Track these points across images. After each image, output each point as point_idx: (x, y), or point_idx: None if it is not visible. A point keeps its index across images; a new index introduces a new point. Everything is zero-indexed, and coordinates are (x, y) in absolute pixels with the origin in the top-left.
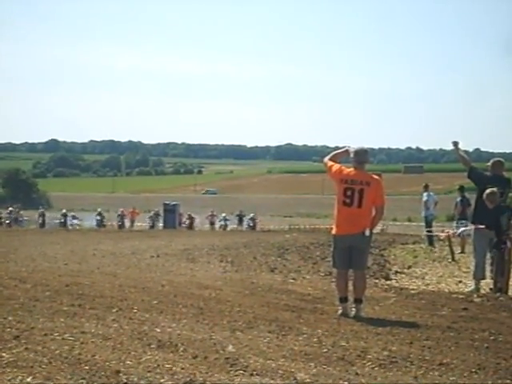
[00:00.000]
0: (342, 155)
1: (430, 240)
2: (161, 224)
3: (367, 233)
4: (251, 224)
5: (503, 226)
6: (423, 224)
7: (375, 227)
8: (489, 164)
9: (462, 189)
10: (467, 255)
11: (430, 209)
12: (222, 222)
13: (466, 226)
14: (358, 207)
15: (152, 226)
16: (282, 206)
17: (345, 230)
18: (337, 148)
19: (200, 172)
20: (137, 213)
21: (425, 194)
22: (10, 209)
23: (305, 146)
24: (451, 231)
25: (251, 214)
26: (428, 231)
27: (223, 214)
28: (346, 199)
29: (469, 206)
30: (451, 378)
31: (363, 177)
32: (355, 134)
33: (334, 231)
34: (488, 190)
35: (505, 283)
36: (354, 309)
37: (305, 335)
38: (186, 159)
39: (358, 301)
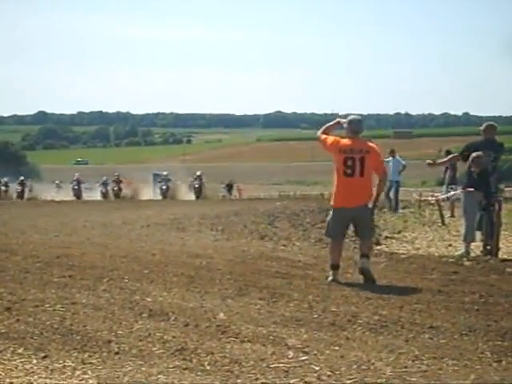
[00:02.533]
0: (334, 127)
1: (392, 205)
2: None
3: (370, 205)
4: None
5: (491, 189)
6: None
7: (380, 197)
8: (481, 128)
9: (449, 153)
10: (457, 219)
11: (394, 174)
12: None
13: (455, 190)
14: (360, 176)
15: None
16: (272, 173)
17: (348, 203)
18: (326, 115)
19: (189, 141)
20: (131, 182)
21: (389, 159)
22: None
23: (294, 113)
24: (440, 196)
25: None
26: (391, 195)
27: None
28: (346, 169)
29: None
30: (442, 341)
31: (362, 145)
32: (344, 101)
33: (334, 203)
34: (474, 154)
35: (494, 246)
36: (361, 262)
37: (295, 301)
38: (175, 129)
39: (364, 256)
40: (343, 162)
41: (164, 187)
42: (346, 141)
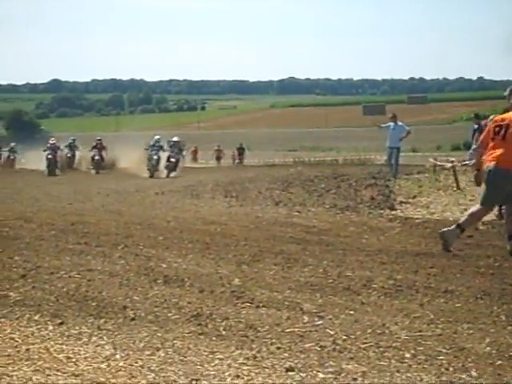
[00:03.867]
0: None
1: (392, 171)
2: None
3: None
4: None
5: None
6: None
7: None
8: (505, 93)
9: (477, 116)
10: (473, 183)
11: (395, 140)
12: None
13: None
14: (502, 139)
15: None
16: (286, 140)
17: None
18: (340, 80)
19: (203, 108)
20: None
21: (390, 124)
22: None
23: (307, 79)
24: (456, 162)
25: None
26: (392, 161)
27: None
28: (494, 136)
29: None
30: (457, 305)
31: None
32: (358, 66)
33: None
34: (491, 116)
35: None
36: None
37: (310, 267)
38: (189, 96)
39: None
40: (493, 131)
41: (155, 157)
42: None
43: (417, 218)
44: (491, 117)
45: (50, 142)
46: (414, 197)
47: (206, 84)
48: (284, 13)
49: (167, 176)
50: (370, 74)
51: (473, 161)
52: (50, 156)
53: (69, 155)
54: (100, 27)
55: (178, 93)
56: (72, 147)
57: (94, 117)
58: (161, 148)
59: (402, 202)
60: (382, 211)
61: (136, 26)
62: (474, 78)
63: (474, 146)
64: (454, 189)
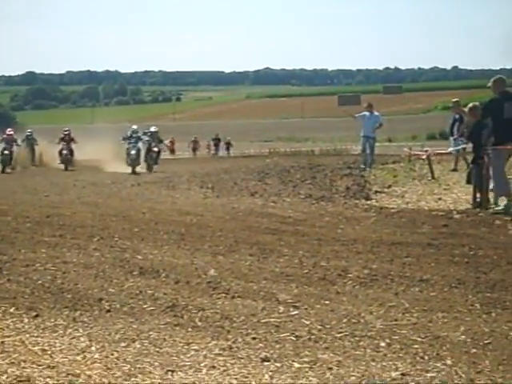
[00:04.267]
0: None
1: (366, 161)
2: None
3: None
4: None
5: (482, 141)
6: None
7: None
8: (490, 85)
9: (457, 103)
10: (447, 173)
11: (369, 130)
12: None
13: (465, 143)
14: None
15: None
16: (262, 130)
17: None
18: (315, 71)
19: (179, 99)
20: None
21: (366, 113)
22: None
23: (283, 69)
24: (450, 149)
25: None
26: (367, 151)
27: None
28: None
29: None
30: (431, 294)
31: None
32: (333, 56)
33: None
34: (470, 104)
35: (484, 198)
36: None
37: (286, 257)
38: (164, 87)
39: None
40: None
41: (134, 151)
42: None
43: (392, 208)
44: (470, 105)
45: (7, 132)
46: (389, 186)
47: (181, 75)
48: (259, 3)
49: (149, 170)
50: (345, 64)
51: (460, 147)
52: (5, 151)
53: (64, 151)
54: (74, 19)
55: (153, 84)
56: (30, 141)
57: (69, 109)
58: (139, 139)
59: (377, 192)
60: (357, 201)
61: (110, 17)
62: (449, 67)
63: (455, 136)
64: (429, 178)
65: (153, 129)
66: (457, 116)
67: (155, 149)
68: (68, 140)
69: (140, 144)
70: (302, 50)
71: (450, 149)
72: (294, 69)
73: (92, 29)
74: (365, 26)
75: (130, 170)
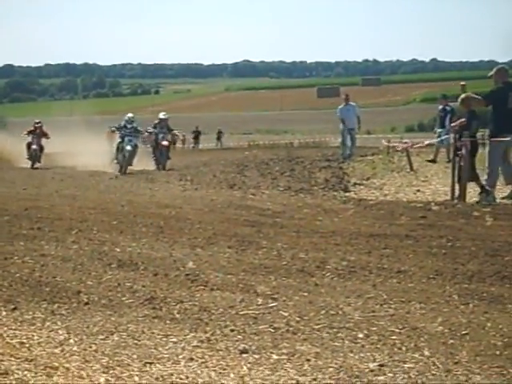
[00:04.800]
0: None
1: (344, 154)
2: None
3: None
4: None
5: (471, 132)
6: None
7: None
8: (492, 73)
9: (445, 97)
10: (426, 165)
11: (346, 122)
12: None
13: (447, 134)
14: None
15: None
16: (241, 123)
17: None
18: (294, 63)
19: (157, 92)
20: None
21: (340, 106)
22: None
23: (262, 62)
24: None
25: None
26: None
27: None
28: None
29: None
30: (409, 285)
31: None
32: (312, 48)
33: None
34: (463, 95)
35: (462, 190)
36: None
37: (264, 249)
38: (143, 80)
39: None
40: None
41: (129, 147)
42: None
43: (370, 200)
44: (463, 95)
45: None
46: (368, 178)
47: (159, 68)
48: None
49: (161, 169)
50: (323, 56)
51: (445, 137)
52: (33, 146)
53: (34, 146)
54: (52, 11)
55: (131, 77)
56: (37, 135)
57: (48, 101)
58: (136, 131)
59: (355, 184)
60: (335, 193)
61: (89, 9)
62: (428, 59)
63: (442, 130)
64: (408, 170)
65: (162, 115)
66: (448, 108)
67: (164, 142)
68: (39, 134)
69: (137, 140)
70: (280, 43)
71: (435, 140)
72: (272, 61)
73: (70, 21)
74: (343, 19)
75: (117, 168)
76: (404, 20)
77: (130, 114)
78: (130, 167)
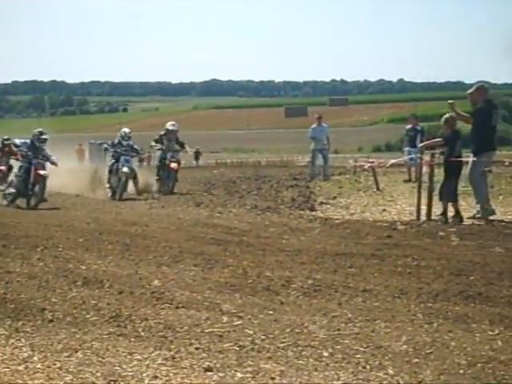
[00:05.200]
0: None
1: (312, 174)
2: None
3: None
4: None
5: (456, 153)
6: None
7: None
8: (471, 91)
9: (414, 116)
10: (392, 184)
11: (317, 142)
12: None
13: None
14: None
15: None
16: (209, 141)
17: None
18: (262, 82)
19: (125, 110)
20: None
21: (313, 126)
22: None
23: (230, 81)
24: (376, 163)
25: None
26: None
27: None
28: None
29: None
30: (374, 304)
31: None
32: (280, 68)
33: None
34: (447, 115)
35: (454, 209)
36: None
37: (230, 267)
38: (111, 97)
39: None
40: None
41: (125, 170)
42: None
43: (337, 219)
44: (447, 115)
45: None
46: (335, 198)
47: (128, 85)
48: (206, 14)
49: (170, 192)
50: (291, 75)
51: (413, 156)
52: None
53: None
54: (19, 27)
55: (99, 94)
56: None
57: (15, 119)
58: (133, 150)
59: (322, 203)
60: (302, 212)
61: (56, 25)
62: (395, 79)
63: (413, 149)
64: (374, 190)
65: (170, 126)
66: (418, 127)
67: (173, 165)
68: (8, 152)
69: (134, 161)
70: (248, 62)
71: (405, 158)
72: (240, 80)
73: (39, 39)
74: (311, 39)
75: (110, 193)
76: (371, 40)
77: (126, 129)
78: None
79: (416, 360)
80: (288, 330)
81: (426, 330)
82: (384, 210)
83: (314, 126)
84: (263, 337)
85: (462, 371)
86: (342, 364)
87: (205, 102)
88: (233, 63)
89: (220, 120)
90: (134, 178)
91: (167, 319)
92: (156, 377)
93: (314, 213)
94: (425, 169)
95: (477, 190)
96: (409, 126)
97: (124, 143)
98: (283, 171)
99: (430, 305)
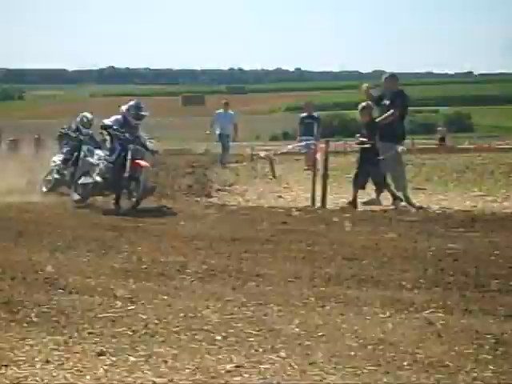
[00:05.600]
0: None
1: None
2: None
3: None
4: None
5: (373, 140)
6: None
7: None
8: (385, 80)
9: (308, 105)
10: (288, 172)
11: (222, 128)
12: None
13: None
14: None
15: None
16: None
17: None
18: (160, 70)
19: (21, 97)
20: None
21: (218, 111)
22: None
23: (127, 68)
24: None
25: None
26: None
27: None
28: None
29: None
30: (268, 288)
31: None
32: (177, 56)
33: None
34: (363, 103)
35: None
36: None
37: (125, 253)
38: (6, 85)
39: None
40: None
41: (91, 161)
42: None
43: (232, 205)
44: (363, 104)
45: None
46: (231, 185)
47: (23, 73)
48: (102, 1)
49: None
50: (189, 64)
51: (310, 142)
52: None
53: None
54: None
55: None
56: None
57: None
58: (92, 140)
59: (218, 190)
60: (198, 199)
61: None
62: (292, 69)
63: (310, 137)
64: (270, 177)
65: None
66: (315, 115)
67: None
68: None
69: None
70: (146, 50)
71: (301, 145)
72: (138, 68)
73: None
74: (208, 27)
75: (44, 188)
76: (268, 28)
77: (88, 114)
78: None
79: (308, 342)
80: (182, 315)
81: (319, 313)
82: (279, 197)
83: (219, 111)
84: (156, 321)
85: (352, 353)
86: (235, 347)
87: (102, 89)
88: (130, 51)
89: (118, 107)
90: None
91: (60, 305)
92: (48, 361)
93: (210, 199)
94: (320, 156)
95: (395, 178)
96: (304, 114)
97: (84, 131)
98: (180, 159)
99: (323, 289)
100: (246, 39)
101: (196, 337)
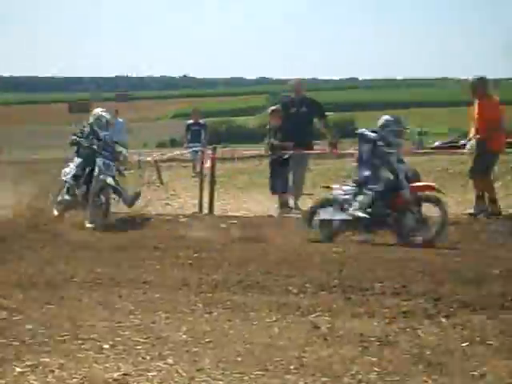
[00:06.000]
0: None
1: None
2: None
3: None
4: None
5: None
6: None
7: None
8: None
9: (196, 111)
10: (175, 179)
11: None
12: None
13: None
14: None
15: None
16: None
17: None
18: (44, 78)
19: None
20: None
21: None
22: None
23: (11, 77)
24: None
25: None
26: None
27: None
28: None
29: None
30: (156, 295)
31: None
32: (62, 63)
33: None
34: (273, 107)
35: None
36: None
37: (10, 264)
38: None
39: None
40: None
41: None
42: None
43: (118, 213)
44: (273, 107)
45: None
46: None
47: None
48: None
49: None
50: (75, 71)
51: (197, 148)
52: None
53: None
54: None
55: None
56: None
57: None
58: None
59: None
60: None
61: None
62: (178, 75)
63: (197, 144)
64: (158, 184)
65: (102, 113)
66: (202, 122)
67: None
68: None
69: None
70: (28, 57)
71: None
72: (20, 76)
73: None
74: (94, 34)
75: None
76: (154, 36)
77: (105, 113)
78: None
79: (195, 349)
80: (68, 323)
81: (206, 320)
82: (167, 204)
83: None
84: (43, 331)
85: (240, 358)
86: (123, 355)
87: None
88: (13, 59)
89: (1, 116)
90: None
91: None
92: None
93: None
94: (208, 163)
95: (298, 185)
96: (191, 121)
97: (101, 135)
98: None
99: (210, 295)
100: (131, 47)
101: (83, 346)
